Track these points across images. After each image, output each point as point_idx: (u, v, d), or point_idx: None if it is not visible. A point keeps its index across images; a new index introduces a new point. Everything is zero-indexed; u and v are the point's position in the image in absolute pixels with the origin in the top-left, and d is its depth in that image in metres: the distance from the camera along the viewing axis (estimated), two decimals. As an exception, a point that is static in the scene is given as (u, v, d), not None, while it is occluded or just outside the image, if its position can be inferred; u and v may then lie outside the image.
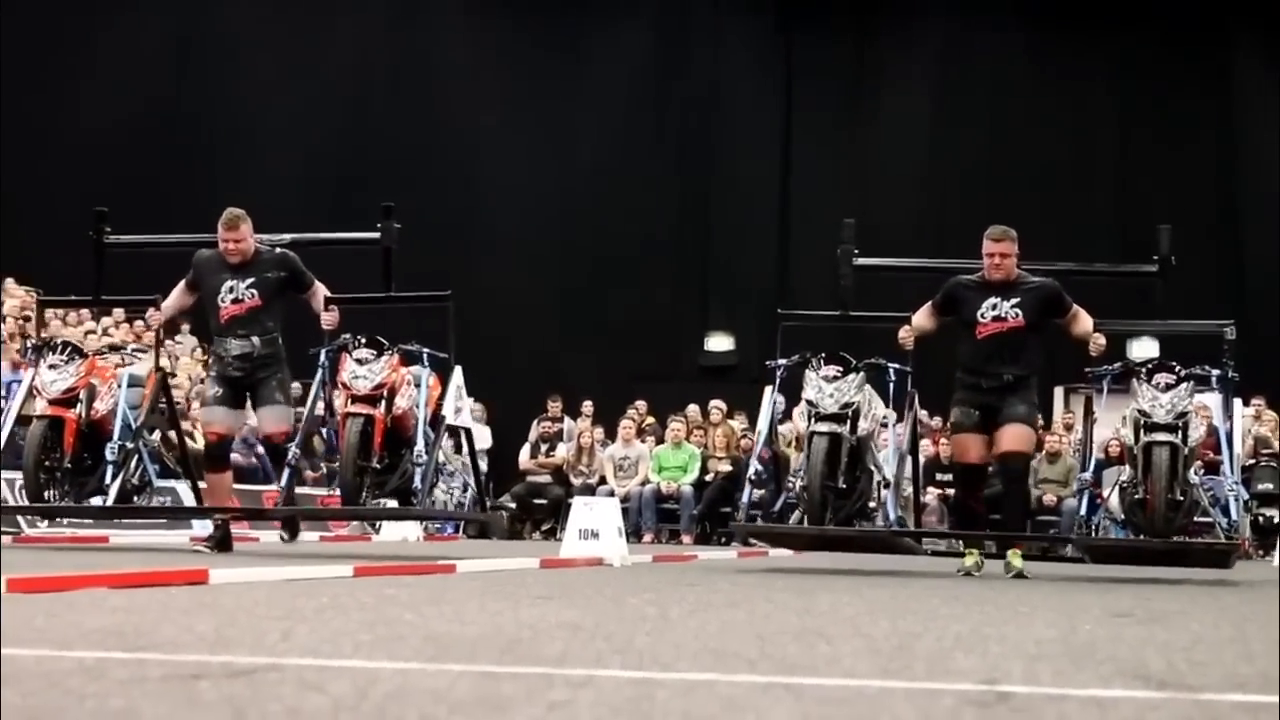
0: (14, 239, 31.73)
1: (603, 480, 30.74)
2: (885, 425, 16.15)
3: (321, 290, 15.68)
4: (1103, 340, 14.53)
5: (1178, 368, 15.07)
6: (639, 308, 35.66)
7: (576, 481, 30.78)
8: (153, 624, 6.46)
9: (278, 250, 15.82)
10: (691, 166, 37.11)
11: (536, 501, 31.37)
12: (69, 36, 36.06)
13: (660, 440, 31.49)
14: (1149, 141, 35.40)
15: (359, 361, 15.61)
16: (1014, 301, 14.44)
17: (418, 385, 16.27)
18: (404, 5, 37.44)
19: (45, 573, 9.11)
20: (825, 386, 14.99)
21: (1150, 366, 15.12)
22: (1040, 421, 17.15)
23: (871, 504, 15.51)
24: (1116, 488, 15.60)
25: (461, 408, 16.60)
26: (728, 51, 37.04)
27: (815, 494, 14.62)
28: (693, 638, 6.40)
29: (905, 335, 14.77)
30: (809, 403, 15.08)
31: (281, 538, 17.36)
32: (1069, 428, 29.20)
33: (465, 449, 19.18)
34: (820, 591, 10.68)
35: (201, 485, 17.22)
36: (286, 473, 16.16)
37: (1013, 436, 14.56)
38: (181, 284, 16.28)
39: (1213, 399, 16.71)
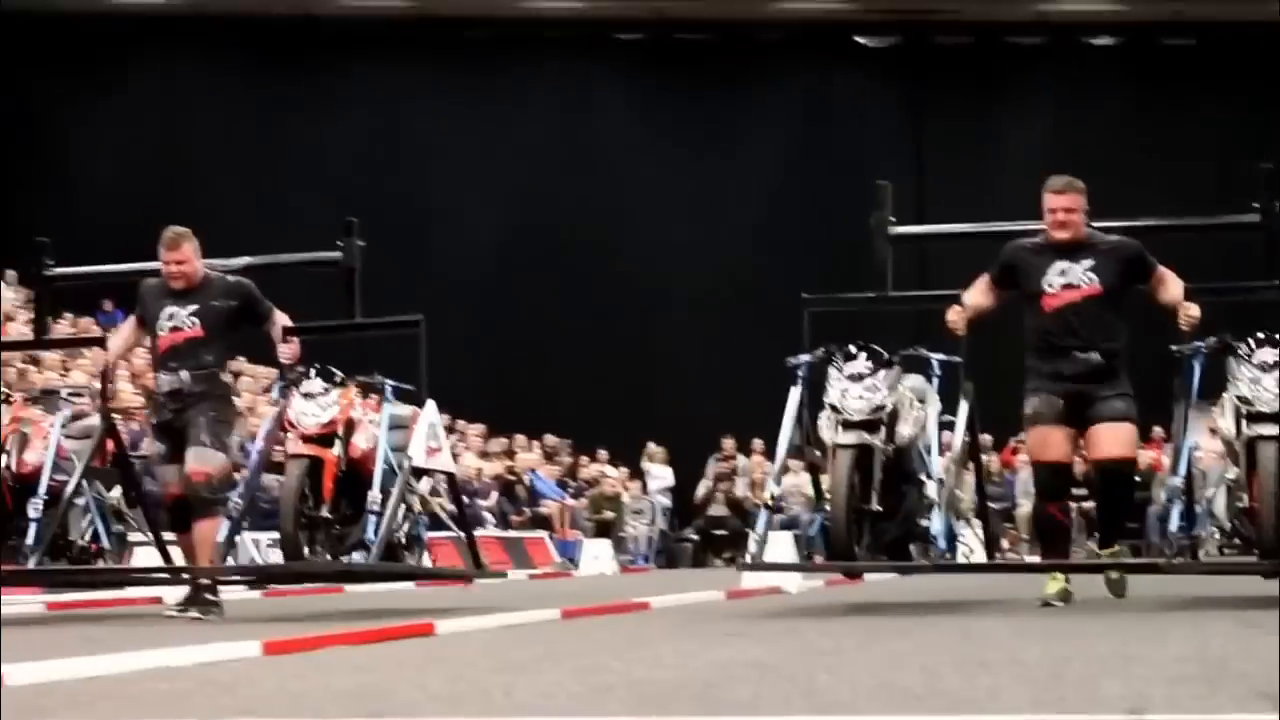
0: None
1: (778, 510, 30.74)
2: (942, 426, 12.11)
3: (281, 320, 12.68)
4: (1196, 311, 11.06)
5: None
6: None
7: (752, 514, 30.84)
8: (390, 684, 6.50)
9: (231, 277, 12.70)
10: (838, 224, 37.09)
11: (716, 533, 31.43)
12: (296, 133, 36.64)
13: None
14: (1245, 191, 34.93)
15: (306, 396, 12.30)
16: (1087, 264, 11.08)
17: (405, 425, 12.85)
18: (576, 98, 37.68)
19: (295, 634, 9.17)
20: (851, 387, 11.27)
21: (1252, 341, 10.99)
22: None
23: (924, 521, 11.65)
24: (1222, 488, 11.90)
25: (440, 448, 13.03)
26: (864, 127, 36.97)
27: (841, 522, 10.90)
28: (866, 674, 6.39)
29: (955, 317, 11.32)
30: (832, 408, 11.36)
31: (195, 609, 12.21)
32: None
33: (445, 496, 14.71)
34: (977, 614, 10.57)
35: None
36: (226, 525, 12.07)
37: (1112, 438, 11.19)
38: (131, 319, 13.23)
39: None
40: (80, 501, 13.59)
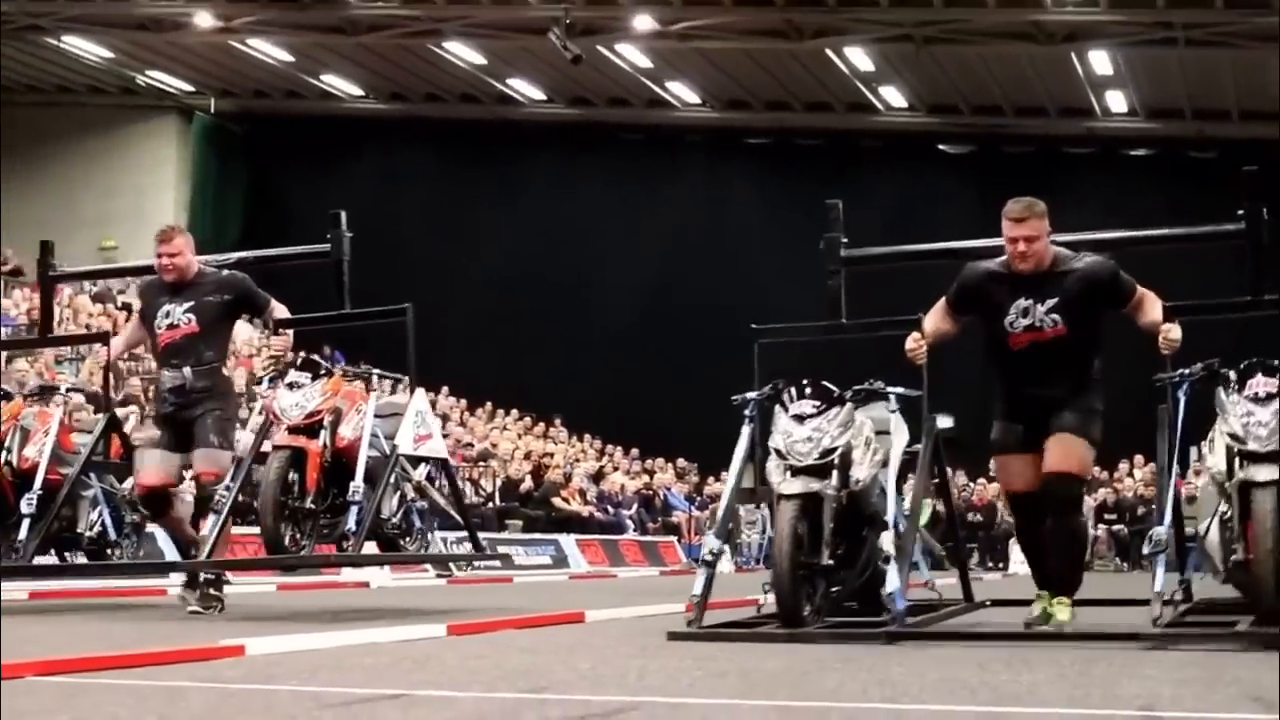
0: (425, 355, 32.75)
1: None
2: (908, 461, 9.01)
3: (278, 312, 10.69)
4: (1177, 333, 8.09)
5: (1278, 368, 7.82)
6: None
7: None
8: (549, 665, 6.54)
9: (225, 271, 10.63)
10: (923, 296, 36.90)
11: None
12: (484, 212, 37.05)
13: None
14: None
15: (291, 387, 10.05)
16: (1051, 303, 8.19)
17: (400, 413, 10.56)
18: (712, 188, 37.72)
19: (473, 620, 9.24)
20: (797, 429, 8.27)
21: (1243, 368, 7.87)
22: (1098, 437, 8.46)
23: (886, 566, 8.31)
24: (1215, 520, 8.15)
25: (430, 434, 10.65)
26: (945, 218, 36.68)
27: (785, 582, 7.89)
28: (932, 668, 6.35)
29: (914, 345, 8.47)
30: (777, 452, 8.35)
31: (193, 601, 10.02)
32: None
33: (442, 483, 11.37)
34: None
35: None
36: (211, 518, 9.89)
37: (1059, 452, 8.23)
38: (135, 317, 11.40)
39: None
40: (88, 494, 11.61)
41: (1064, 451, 8.22)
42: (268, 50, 34.12)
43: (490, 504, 26.84)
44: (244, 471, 10.08)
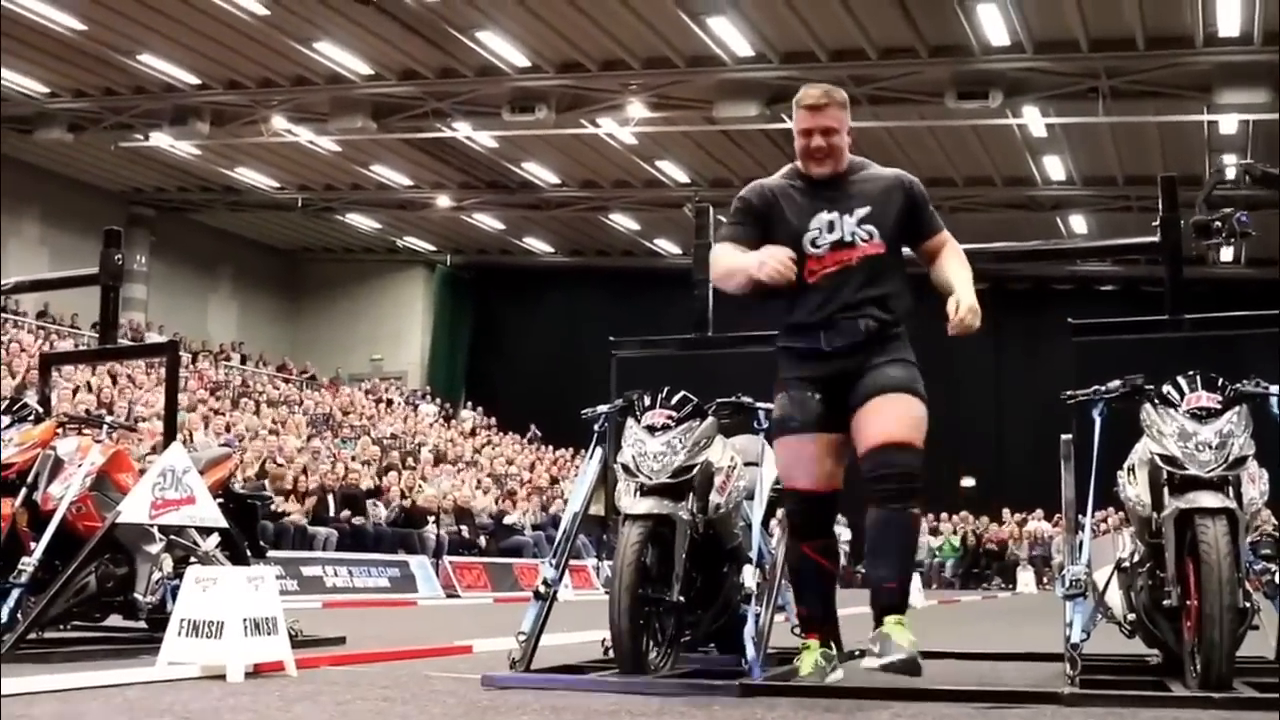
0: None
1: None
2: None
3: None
4: (973, 318, 4.44)
5: (1224, 384, 4.67)
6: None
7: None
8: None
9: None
10: (951, 410, 36.62)
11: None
12: (638, 335, 37.21)
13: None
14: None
15: None
16: (862, 213, 4.53)
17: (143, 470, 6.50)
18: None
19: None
20: (648, 442, 5.14)
21: (1179, 385, 4.73)
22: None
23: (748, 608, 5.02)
24: (1114, 571, 5.23)
25: (189, 497, 6.06)
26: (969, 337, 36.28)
27: (623, 619, 4.77)
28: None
29: (784, 267, 4.45)
30: (624, 469, 5.21)
31: None
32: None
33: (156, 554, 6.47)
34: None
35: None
36: None
37: (890, 415, 4.39)
38: None
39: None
40: None
41: (897, 414, 4.48)
42: (487, 221, 34.85)
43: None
44: None
